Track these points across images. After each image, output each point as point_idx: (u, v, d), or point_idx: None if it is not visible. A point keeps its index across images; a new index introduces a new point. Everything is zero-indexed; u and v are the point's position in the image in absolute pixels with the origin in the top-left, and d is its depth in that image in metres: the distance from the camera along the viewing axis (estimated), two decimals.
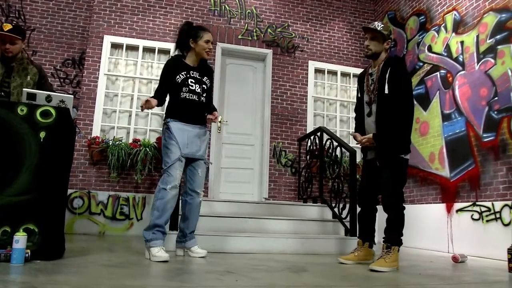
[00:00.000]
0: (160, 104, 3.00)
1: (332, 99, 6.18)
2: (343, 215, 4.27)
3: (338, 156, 4.60)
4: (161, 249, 2.75)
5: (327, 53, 6.22)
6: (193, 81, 3.01)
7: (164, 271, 2.38)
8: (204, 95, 3.08)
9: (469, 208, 4.20)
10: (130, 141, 5.10)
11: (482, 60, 4.20)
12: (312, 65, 6.11)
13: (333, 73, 6.24)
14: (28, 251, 2.32)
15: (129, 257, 2.89)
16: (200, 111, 3.08)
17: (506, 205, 3.77)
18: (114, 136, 5.02)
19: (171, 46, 5.53)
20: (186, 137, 2.96)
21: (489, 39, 4.14)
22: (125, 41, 5.41)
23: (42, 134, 2.57)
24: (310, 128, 5.87)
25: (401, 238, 2.85)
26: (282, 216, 4.45)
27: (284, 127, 5.85)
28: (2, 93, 3.09)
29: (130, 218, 4.99)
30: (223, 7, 5.91)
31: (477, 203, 4.11)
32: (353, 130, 3.29)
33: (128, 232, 4.92)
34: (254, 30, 5.95)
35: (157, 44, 5.52)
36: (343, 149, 4.40)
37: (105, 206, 4.92)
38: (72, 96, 2.93)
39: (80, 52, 5.65)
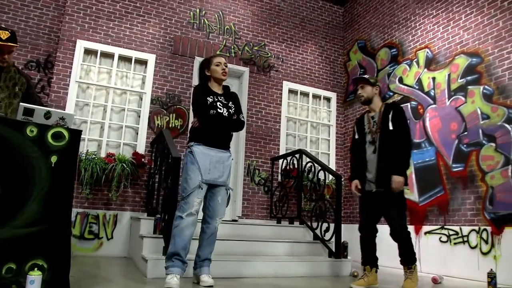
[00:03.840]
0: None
1: (303, 119, 6.35)
2: (326, 238, 4.41)
3: (321, 179, 4.76)
4: (174, 277, 2.70)
5: (300, 75, 6.40)
6: (221, 105, 2.99)
7: None
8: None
9: (437, 231, 4.57)
10: (102, 155, 4.79)
11: (453, 97, 4.62)
12: (286, 85, 6.24)
13: (305, 94, 6.43)
14: None
15: (133, 285, 2.72)
16: (226, 135, 3.06)
17: (473, 230, 4.17)
18: (88, 150, 4.67)
19: (148, 56, 5.33)
20: (208, 161, 2.91)
21: (460, 79, 4.57)
22: (100, 47, 5.08)
23: (54, 159, 2.34)
24: (282, 148, 5.98)
25: (415, 256, 3.23)
26: (261, 238, 4.43)
27: (258, 145, 5.89)
28: None
29: (99, 238, 4.66)
30: (202, 21, 5.82)
31: (445, 226, 4.49)
32: (349, 172, 3.62)
33: (97, 253, 4.59)
34: (232, 47, 5.94)
35: (134, 54, 5.26)
36: (326, 172, 4.56)
37: (72, 224, 4.55)
38: (73, 113, 2.70)
39: (46, 55, 5.18)
